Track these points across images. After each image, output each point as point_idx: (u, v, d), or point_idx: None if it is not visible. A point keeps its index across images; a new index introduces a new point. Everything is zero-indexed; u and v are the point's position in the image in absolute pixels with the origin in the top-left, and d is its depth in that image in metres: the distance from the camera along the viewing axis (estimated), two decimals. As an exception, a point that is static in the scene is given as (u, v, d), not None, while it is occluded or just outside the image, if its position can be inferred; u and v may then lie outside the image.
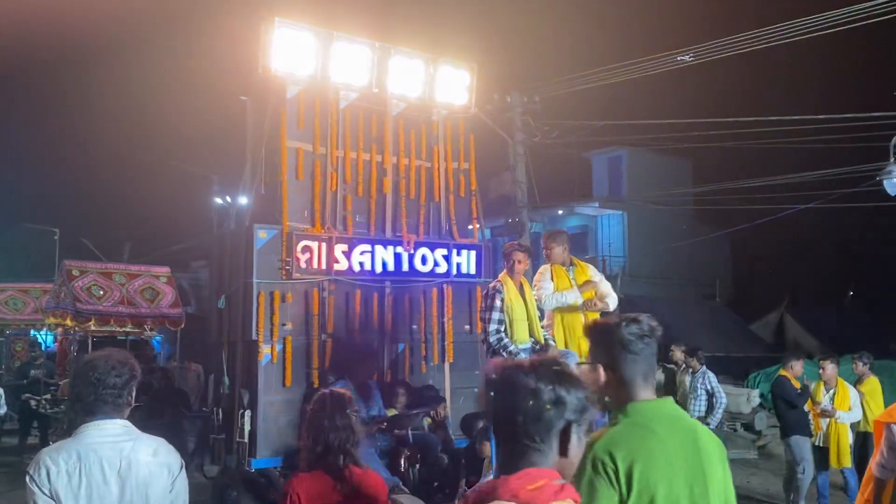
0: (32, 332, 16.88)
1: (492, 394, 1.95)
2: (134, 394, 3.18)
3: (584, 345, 6.17)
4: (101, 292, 12.09)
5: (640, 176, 28.67)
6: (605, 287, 6.65)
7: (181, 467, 3.17)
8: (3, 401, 10.98)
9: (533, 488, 1.80)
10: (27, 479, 2.96)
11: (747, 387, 16.98)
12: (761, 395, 15.84)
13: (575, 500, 1.87)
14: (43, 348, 16.27)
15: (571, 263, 6.67)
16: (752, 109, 28.72)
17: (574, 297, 6.42)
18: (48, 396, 12.59)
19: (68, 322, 12.29)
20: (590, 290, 6.52)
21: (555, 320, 6.41)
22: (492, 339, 6.21)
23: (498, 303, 6.24)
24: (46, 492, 2.91)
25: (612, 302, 6.59)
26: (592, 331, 2.69)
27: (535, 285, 6.60)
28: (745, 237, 27.46)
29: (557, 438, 1.86)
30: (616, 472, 2.26)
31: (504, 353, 6.19)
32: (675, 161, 29.05)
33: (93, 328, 12.33)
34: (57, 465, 2.93)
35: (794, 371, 9.37)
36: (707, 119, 19.59)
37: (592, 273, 6.72)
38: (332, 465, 3.37)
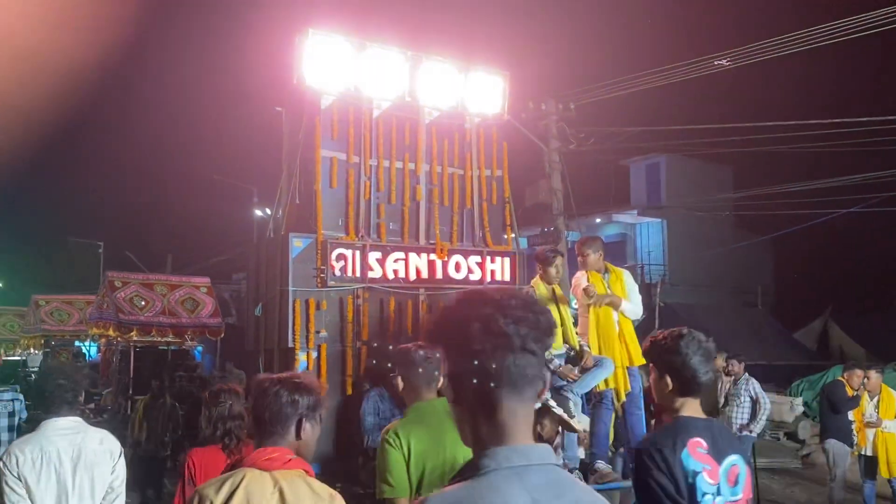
0: (77, 342, 17.24)
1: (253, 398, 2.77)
2: (83, 396, 4.14)
3: (619, 350, 6.16)
4: (143, 303, 12.32)
5: (679, 183, 28.40)
6: (635, 297, 6.57)
7: (121, 453, 4.06)
8: (23, 405, 11.30)
9: (267, 458, 2.64)
10: (0, 464, 3.77)
11: (790, 395, 16.66)
12: (805, 404, 15.53)
13: (304, 468, 2.73)
14: (87, 358, 16.59)
15: (606, 270, 6.59)
16: (792, 113, 28.32)
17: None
18: (92, 406, 12.82)
19: (111, 332, 12.54)
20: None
21: (589, 328, 6.35)
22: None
23: None
24: (15, 474, 3.73)
25: (632, 309, 6.47)
26: (397, 354, 3.84)
27: (573, 292, 6.55)
28: (787, 243, 27.05)
29: (294, 427, 2.73)
30: (401, 444, 3.46)
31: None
32: (715, 167, 28.72)
33: (135, 338, 12.57)
34: (24, 454, 3.77)
35: (853, 381, 9.25)
36: (747, 124, 19.37)
37: (628, 279, 6.63)
38: (226, 444, 4.15)
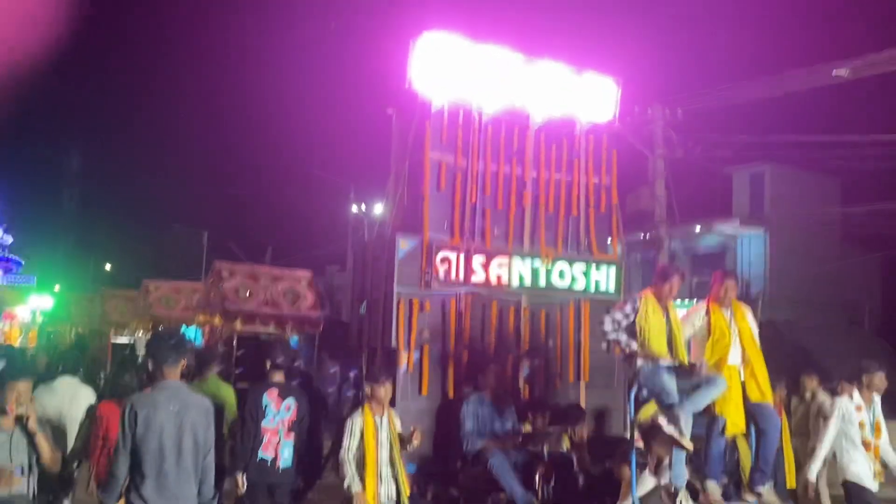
0: (183, 327, 17.87)
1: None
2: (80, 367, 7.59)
3: (737, 386, 5.95)
4: (248, 293, 12.66)
5: (784, 193, 27.37)
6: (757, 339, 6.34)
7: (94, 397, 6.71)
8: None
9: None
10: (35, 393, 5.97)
11: (900, 422, 15.81)
12: (916, 432, 14.71)
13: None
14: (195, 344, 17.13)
15: (729, 305, 6.36)
16: (911, 126, 26.91)
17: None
18: (194, 390, 13.22)
19: (217, 320, 12.93)
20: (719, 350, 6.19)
21: (705, 349, 6.17)
22: (606, 326, 6.12)
23: (628, 308, 6.11)
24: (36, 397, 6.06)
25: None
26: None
27: (686, 317, 6.38)
28: (898, 261, 25.70)
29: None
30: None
31: (615, 346, 6.18)
32: (823, 179, 27.56)
33: (238, 327, 12.93)
34: (47, 388, 6.51)
35: None
36: (859, 135, 18.54)
37: (750, 317, 6.39)
38: (117, 400, 5.67)
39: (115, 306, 20.96)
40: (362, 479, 6.00)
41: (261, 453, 6.10)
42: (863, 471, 6.83)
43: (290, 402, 6.27)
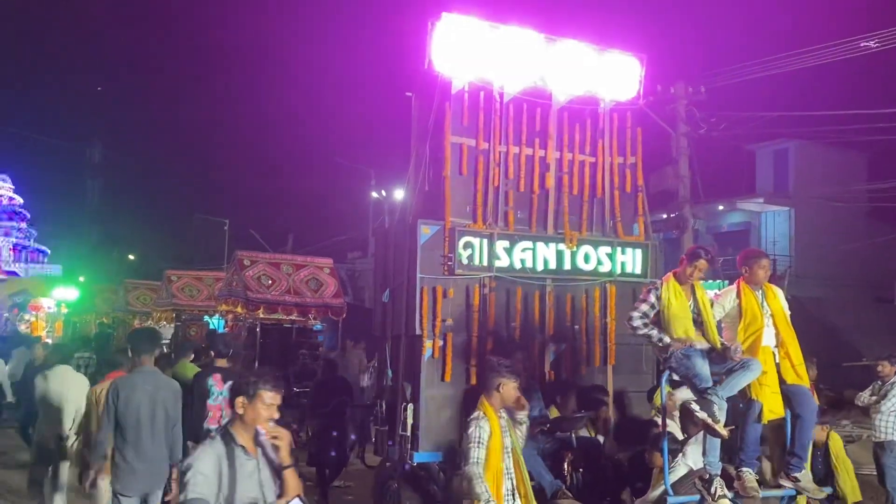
0: (205, 317, 17.91)
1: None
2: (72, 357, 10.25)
3: (772, 370, 5.82)
4: (270, 282, 12.64)
5: (808, 170, 27.00)
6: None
7: (87, 384, 8.04)
8: (93, 361, 13.43)
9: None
10: (40, 378, 8.34)
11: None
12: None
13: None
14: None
15: (761, 287, 6.22)
16: (939, 97, 26.35)
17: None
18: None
19: (239, 309, 12.94)
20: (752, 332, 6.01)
21: (737, 333, 6.03)
22: (634, 322, 6.17)
23: (652, 298, 6.14)
24: (43, 377, 8.06)
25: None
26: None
27: (717, 299, 6.26)
28: (927, 236, 25.28)
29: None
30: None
31: (648, 341, 6.23)
32: (848, 154, 27.14)
33: (261, 316, 12.93)
34: (50, 372, 8.14)
35: None
36: (885, 109, 18.17)
37: (782, 297, 6.25)
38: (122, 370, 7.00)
39: (139, 296, 21.12)
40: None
41: (206, 426, 7.39)
42: None
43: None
